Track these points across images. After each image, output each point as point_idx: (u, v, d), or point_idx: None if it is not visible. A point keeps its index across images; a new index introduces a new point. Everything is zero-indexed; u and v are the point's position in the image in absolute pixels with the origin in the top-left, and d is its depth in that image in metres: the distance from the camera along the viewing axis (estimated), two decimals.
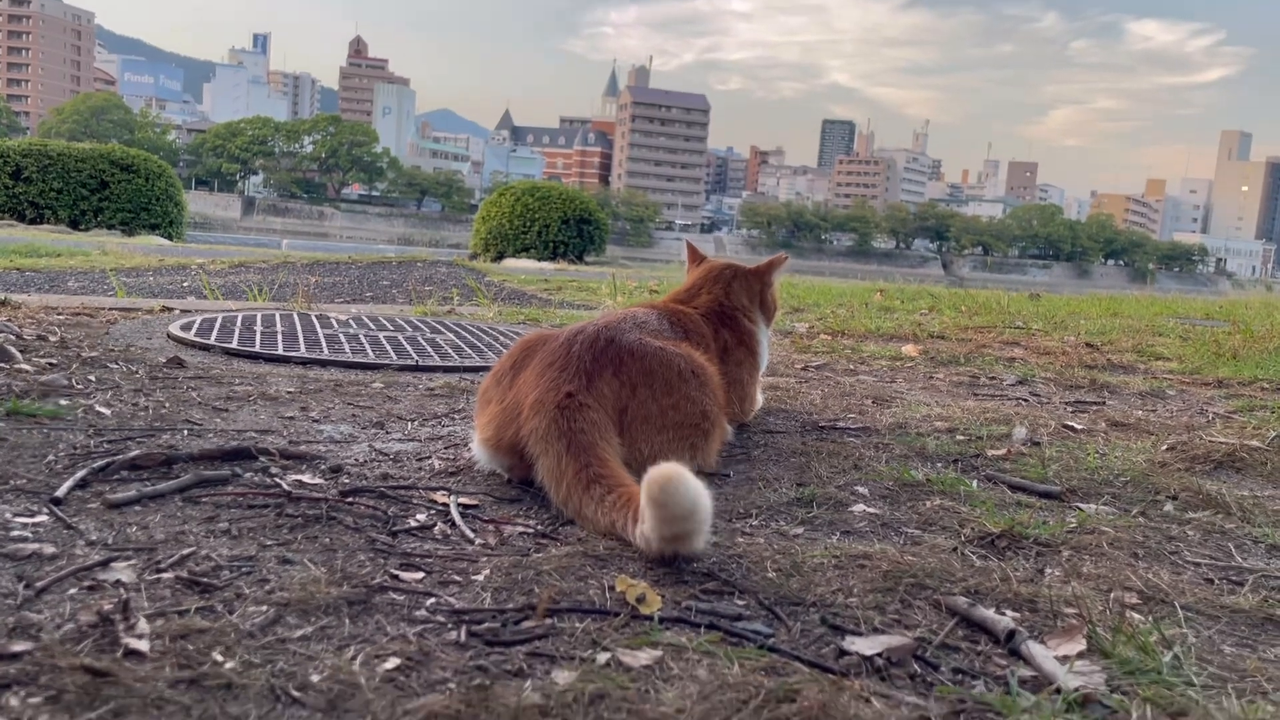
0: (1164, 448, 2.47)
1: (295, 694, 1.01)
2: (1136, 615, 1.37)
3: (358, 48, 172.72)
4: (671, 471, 1.39)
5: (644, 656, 1.15)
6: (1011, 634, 1.26)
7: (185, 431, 2.11)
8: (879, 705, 1.06)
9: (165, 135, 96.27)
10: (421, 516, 1.65)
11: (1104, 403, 3.30)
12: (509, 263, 15.16)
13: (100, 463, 1.76)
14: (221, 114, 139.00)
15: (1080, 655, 1.22)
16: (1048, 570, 1.56)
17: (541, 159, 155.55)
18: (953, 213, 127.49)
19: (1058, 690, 1.11)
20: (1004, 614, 1.34)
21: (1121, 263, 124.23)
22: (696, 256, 2.72)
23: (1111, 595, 1.44)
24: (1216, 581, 1.56)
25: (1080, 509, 1.92)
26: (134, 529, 1.47)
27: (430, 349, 3.69)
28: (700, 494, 1.41)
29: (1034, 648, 1.22)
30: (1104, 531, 1.76)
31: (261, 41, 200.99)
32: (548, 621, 1.24)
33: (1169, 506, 1.98)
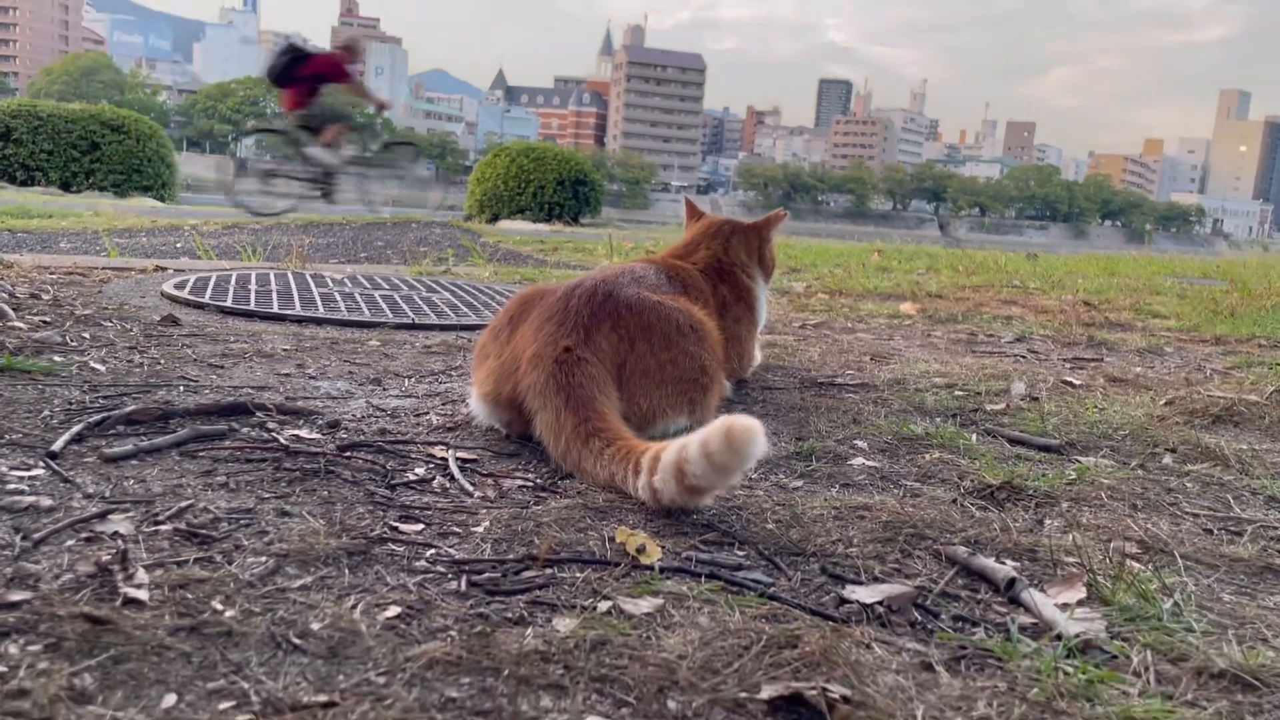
0: (1162, 402, 2.47)
1: (296, 641, 1.01)
2: (1136, 564, 1.38)
3: (349, 6, 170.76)
4: (751, 423, 1.36)
5: (645, 605, 1.14)
6: (1012, 582, 1.26)
7: (181, 388, 2.10)
8: (880, 651, 1.06)
9: (156, 96, 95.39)
10: (420, 470, 1.65)
11: (1102, 359, 3.29)
12: (504, 224, 15.09)
13: (96, 418, 1.74)
14: (212, 74, 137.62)
15: (1080, 603, 1.22)
16: (1047, 521, 1.56)
17: (536, 120, 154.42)
18: (950, 173, 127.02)
19: (1058, 636, 1.12)
20: (1004, 563, 1.35)
21: (1119, 223, 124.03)
22: (695, 213, 2.69)
23: (1111, 545, 1.45)
24: (1215, 532, 1.56)
25: (1079, 462, 1.92)
26: (131, 482, 1.46)
27: (426, 307, 3.67)
28: (760, 451, 1.38)
29: (1034, 595, 1.22)
30: (1103, 483, 1.76)
31: (252, 0, 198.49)
32: (548, 571, 1.24)
33: (1168, 459, 1.98)
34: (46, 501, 1.35)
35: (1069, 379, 2.80)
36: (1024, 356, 3.29)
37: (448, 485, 1.58)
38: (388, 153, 11.82)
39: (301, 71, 10.47)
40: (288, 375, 2.34)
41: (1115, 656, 1.09)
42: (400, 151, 12.30)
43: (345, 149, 10.84)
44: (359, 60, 11.06)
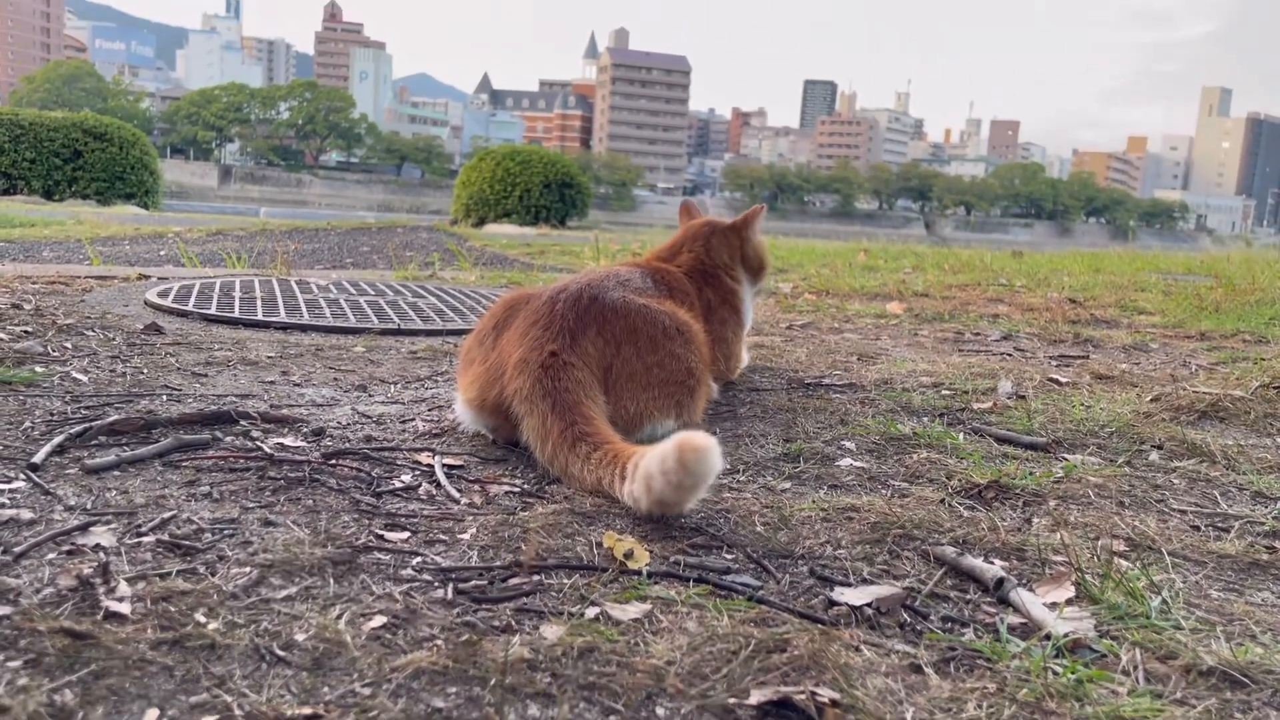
0: (1148, 399, 2.47)
1: (280, 653, 1.00)
2: (1124, 562, 1.38)
3: (333, 11, 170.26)
4: (705, 443, 1.37)
5: (633, 610, 1.14)
6: (1000, 582, 1.26)
7: (164, 397, 2.09)
8: (869, 653, 1.06)
9: (139, 103, 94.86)
10: (406, 477, 1.64)
11: (1088, 356, 3.30)
12: (490, 228, 15.06)
13: (78, 428, 1.73)
14: (195, 81, 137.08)
15: (1069, 602, 1.22)
16: (1035, 519, 1.56)
17: (521, 123, 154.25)
18: (935, 172, 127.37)
19: (1047, 636, 1.11)
20: (992, 563, 1.34)
21: (1103, 220, 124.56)
22: (691, 216, 2.66)
23: (1099, 543, 1.45)
24: (1203, 528, 1.56)
25: (1066, 459, 1.92)
26: (113, 494, 1.45)
27: (412, 313, 3.66)
28: (715, 470, 1.39)
29: (1023, 595, 1.22)
30: (1090, 481, 1.76)
31: (235, 6, 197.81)
32: (535, 578, 1.23)
33: (1154, 456, 1.98)
34: (27, 514, 1.34)
35: (1055, 376, 2.80)
36: (1010, 354, 3.30)
37: (434, 492, 1.57)
38: None
39: None
40: (272, 383, 2.32)
41: (1104, 655, 1.08)
42: None
43: None
44: None
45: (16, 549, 1.21)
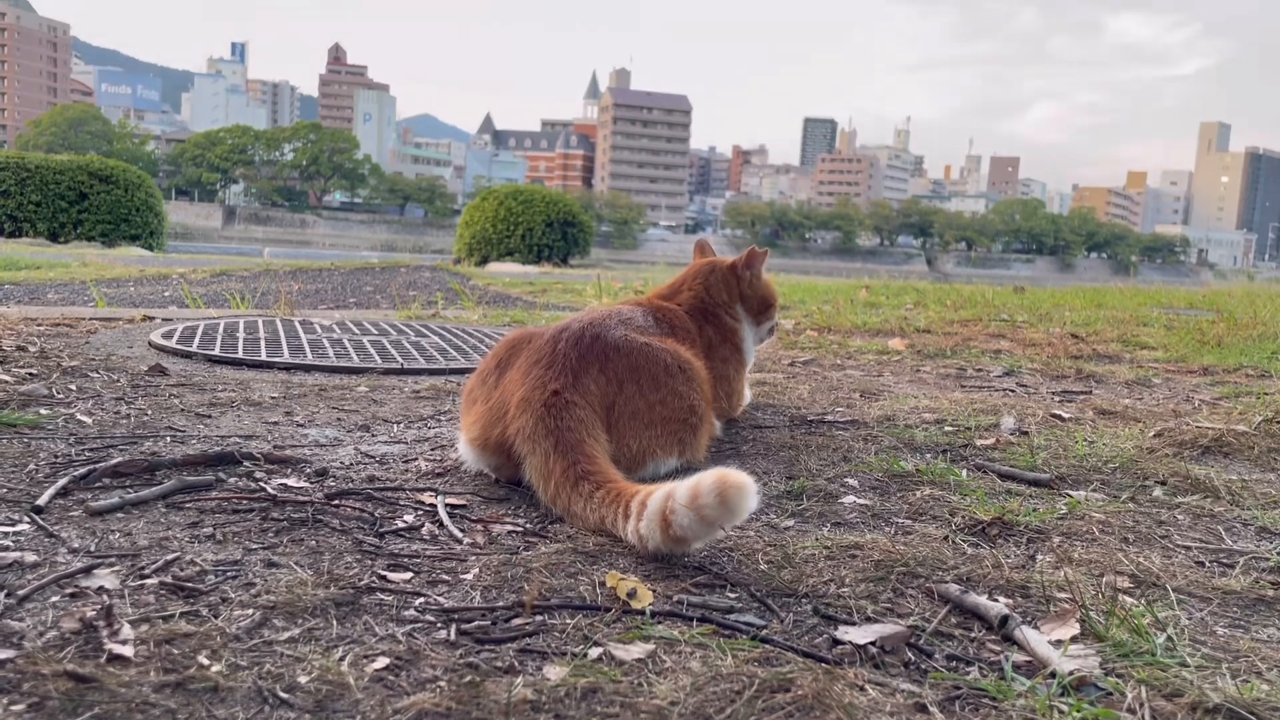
0: (1152, 434, 2.47)
1: (283, 695, 0.99)
2: (1129, 598, 1.37)
3: (337, 55, 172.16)
4: (746, 480, 1.38)
5: (636, 650, 1.14)
6: (1005, 619, 1.25)
7: (168, 438, 2.09)
8: (873, 693, 1.06)
9: (144, 145, 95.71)
10: (409, 517, 1.64)
11: (1091, 392, 3.30)
12: (493, 267, 15.13)
13: (82, 471, 1.73)
14: (201, 123, 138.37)
15: (1074, 639, 1.22)
16: (1039, 556, 1.55)
17: (524, 163, 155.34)
18: (936, 209, 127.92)
19: (1052, 674, 1.11)
20: (996, 600, 1.34)
21: (1104, 255, 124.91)
22: (702, 254, 2.68)
23: (1103, 579, 1.44)
24: (1207, 564, 1.56)
25: (1070, 495, 1.92)
26: (117, 536, 1.45)
27: (415, 352, 3.67)
28: (752, 508, 1.40)
29: (1027, 633, 1.22)
30: (1094, 517, 1.76)
31: (240, 50, 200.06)
32: (538, 618, 1.23)
33: (1158, 491, 1.98)
34: (31, 557, 1.34)
35: (1058, 412, 2.80)
36: (1013, 390, 3.30)
37: (437, 532, 1.57)
38: None
39: None
40: (276, 423, 2.33)
41: (1110, 693, 1.08)
42: None
43: None
44: None
45: (20, 592, 1.21)
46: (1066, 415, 2.77)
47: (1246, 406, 2.94)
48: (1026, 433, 2.51)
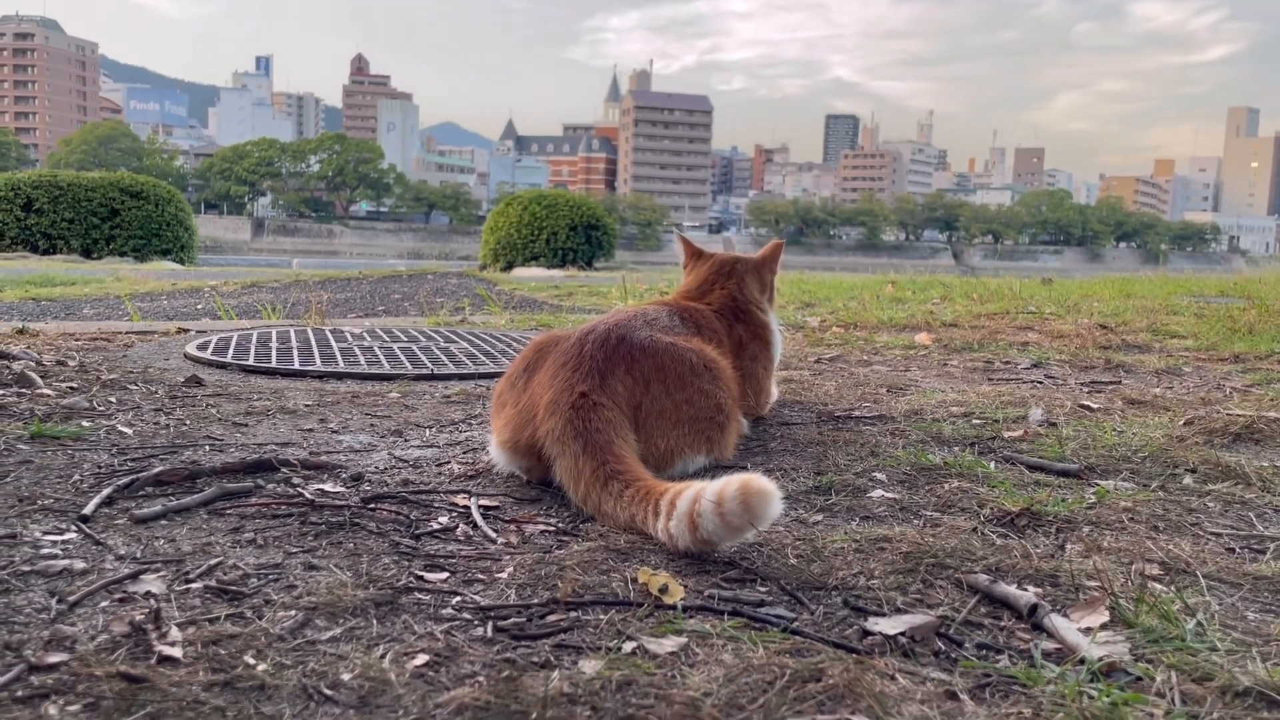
0: (1181, 422, 2.46)
1: (327, 692, 1.02)
2: (1158, 585, 1.38)
3: (359, 65, 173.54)
4: (769, 487, 1.41)
5: (669, 644, 1.16)
6: (1034, 608, 1.26)
7: (207, 447, 2.14)
8: (904, 681, 1.07)
9: (173, 161, 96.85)
10: (443, 519, 1.67)
11: (1120, 382, 3.29)
12: (519, 271, 15.20)
13: (125, 480, 1.78)
14: (227, 137, 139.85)
15: (1103, 626, 1.23)
16: (1068, 546, 1.56)
17: (546, 167, 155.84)
18: (961, 202, 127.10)
19: (1082, 660, 1.12)
20: (1026, 589, 1.35)
21: (1133, 245, 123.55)
22: (694, 251, 2.66)
23: (1133, 567, 1.45)
24: (1238, 550, 1.56)
25: (1099, 485, 1.92)
26: (161, 542, 1.49)
27: (444, 357, 3.71)
28: (775, 515, 1.43)
29: (1057, 620, 1.23)
30: (1124, 506, 1.76)
31: (264, 64, 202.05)
32: (572, 614, 1.25)
33: (1188, 479, 1.97)
34: (80, 564, 1.38)
35: (1086, 403, 2.80)
36: (1041, 382, 3.29)
37: (471, 533, 1.60)
38: None
39: None
40: (311, 430, 2.37)
41: (1139, 678, 1.09)
42: None
43: None
44: None
45: (71, 598, 1.25)
46: (1095, 405, 2.77)
47: (1277, 394, 2.92)
48: (1055, 424, 2.51)
